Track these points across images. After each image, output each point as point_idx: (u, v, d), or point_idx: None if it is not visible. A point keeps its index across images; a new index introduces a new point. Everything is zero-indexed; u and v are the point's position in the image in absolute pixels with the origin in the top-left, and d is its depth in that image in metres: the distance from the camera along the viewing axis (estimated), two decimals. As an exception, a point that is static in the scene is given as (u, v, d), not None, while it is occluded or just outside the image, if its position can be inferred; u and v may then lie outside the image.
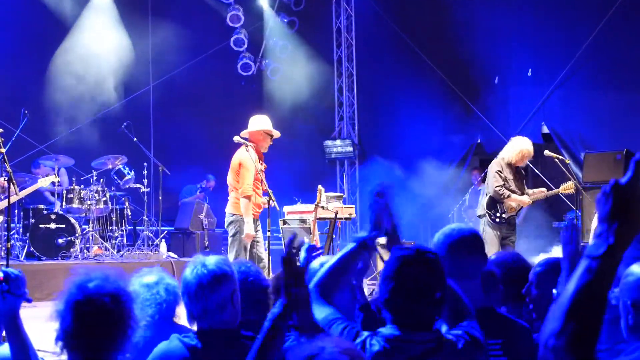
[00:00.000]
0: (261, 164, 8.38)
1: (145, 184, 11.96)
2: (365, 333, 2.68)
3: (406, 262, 2.62)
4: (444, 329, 2.78)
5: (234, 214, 8.36)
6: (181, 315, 3.69)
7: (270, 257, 8.45)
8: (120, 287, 2.55)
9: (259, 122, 8.54)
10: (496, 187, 8.75)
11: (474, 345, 2.71)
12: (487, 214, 8.84)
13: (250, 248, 8.33)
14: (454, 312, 2.83)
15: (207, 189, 14.19)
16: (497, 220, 8.79)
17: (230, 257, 8.20)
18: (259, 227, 8.49)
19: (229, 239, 8.43)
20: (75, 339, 2.47)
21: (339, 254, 2.97)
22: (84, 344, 2.48)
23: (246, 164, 8.23)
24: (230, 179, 8.46)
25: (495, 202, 8.84)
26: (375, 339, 2.63)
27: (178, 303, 3.70)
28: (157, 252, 11.57)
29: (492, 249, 8.02)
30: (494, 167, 8.93)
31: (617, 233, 1.59)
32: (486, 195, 8.96)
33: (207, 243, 12.58)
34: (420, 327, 2.63)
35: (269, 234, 8.39)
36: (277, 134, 8.63)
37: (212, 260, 3.11)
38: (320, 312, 2.79)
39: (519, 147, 8.82)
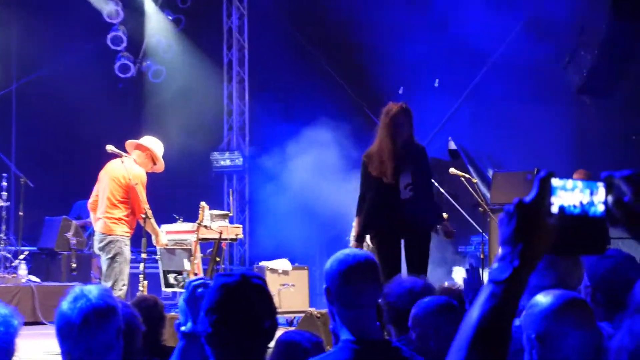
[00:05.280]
0: None
1: (5, 197, 11.39)
2: None
3: (230, 291, 2.52)
4: None
5: (111, 234, 8.02)
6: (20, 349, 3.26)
7: (147, 281, 8.32)
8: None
9: (152, 142, 8.46)
10: None
11: None
12: None
13: None
14: None
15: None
16: None
17: (109, 283, 7.90)
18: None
19: (106, 262, 8.01)
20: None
21: None
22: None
23: (145, 180, 8.14)
24: (109, 192, 8.03)
25: None
26: None
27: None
28: (15, 275, 10.93)
29: None
30: None
31: (522, 255, 1.51)
32: None
33: (74, 265, 11.89)
34: None
35: (144, 255, 8.43)
36: (160, 166, 8.45)
37: (95, 292, 2.86)
38: None
39: None
